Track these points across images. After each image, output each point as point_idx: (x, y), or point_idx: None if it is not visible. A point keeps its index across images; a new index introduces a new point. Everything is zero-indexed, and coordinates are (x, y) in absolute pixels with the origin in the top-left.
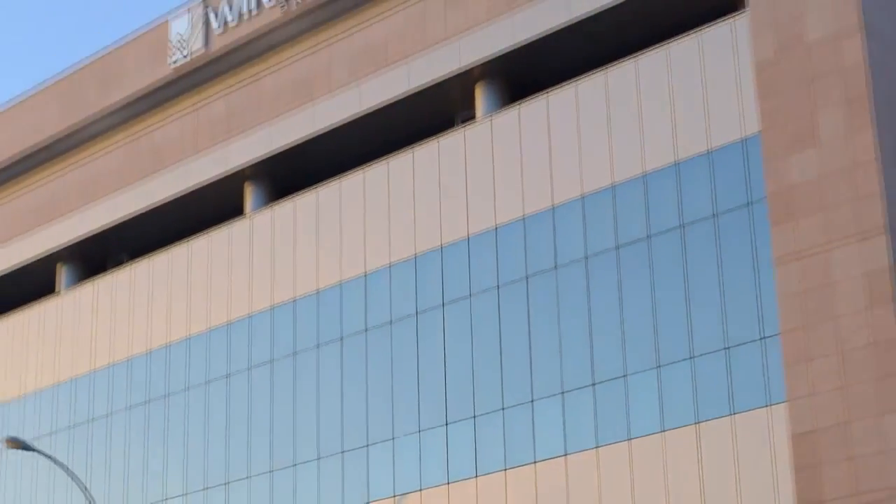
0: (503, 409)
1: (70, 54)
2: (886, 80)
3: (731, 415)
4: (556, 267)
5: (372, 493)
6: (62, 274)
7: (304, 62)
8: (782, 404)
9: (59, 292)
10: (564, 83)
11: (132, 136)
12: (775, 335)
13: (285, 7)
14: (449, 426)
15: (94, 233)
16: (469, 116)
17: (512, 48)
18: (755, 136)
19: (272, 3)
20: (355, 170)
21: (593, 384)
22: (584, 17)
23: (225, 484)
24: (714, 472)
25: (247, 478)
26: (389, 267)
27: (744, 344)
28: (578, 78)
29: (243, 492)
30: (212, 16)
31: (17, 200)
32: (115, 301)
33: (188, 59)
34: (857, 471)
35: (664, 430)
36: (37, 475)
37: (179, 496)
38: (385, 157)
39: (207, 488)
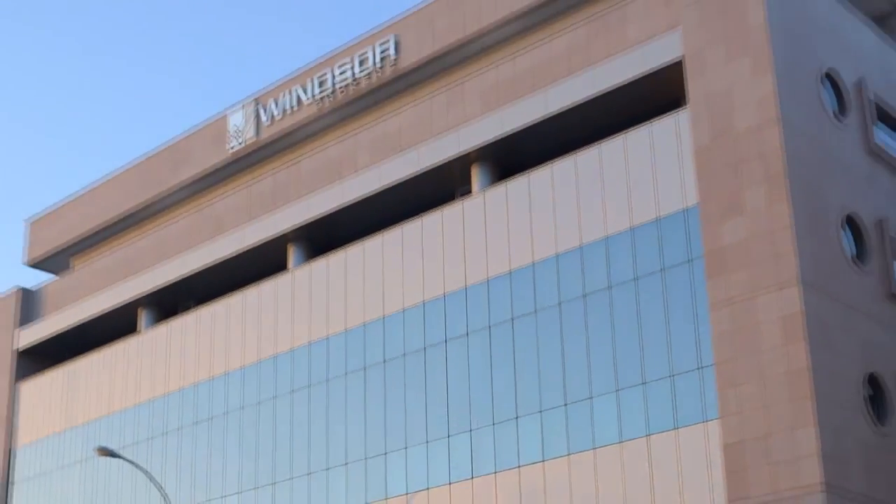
0: (493, 424)
1: (147, 141)
2: (799, 162)
3: (675, 429)
4: (535, 311)
5: (389, 491)
6: (142, 317)
7: (335, 148)
8: (716, 420)
9: (139, 332)
10: (542, 165)
11: (197, 206)
12: (710, 365)
13: (320, 104)
14: (450, 437)
15: (168, 284)
16: (466, 191)
17: (501, 136)
18: (694, 207)
19: (309, 101)
20: (375, 234)
21: (565, 404)
22: (557, 112)
23: (272, 484)
24: (662, 474)
25: (289, 479)
26: (403, 311)
27: (685, 372)
28: (553, 160)
29: (286, 490)
30: (261, 111)
31: (106, 258)
32: (184, 338)
33: (242, 145)
34: (776, 474)
35: (622, 441)
36: (122, 478)
37: (235, 494)
38: (399, 224)
39: (257, 487)
